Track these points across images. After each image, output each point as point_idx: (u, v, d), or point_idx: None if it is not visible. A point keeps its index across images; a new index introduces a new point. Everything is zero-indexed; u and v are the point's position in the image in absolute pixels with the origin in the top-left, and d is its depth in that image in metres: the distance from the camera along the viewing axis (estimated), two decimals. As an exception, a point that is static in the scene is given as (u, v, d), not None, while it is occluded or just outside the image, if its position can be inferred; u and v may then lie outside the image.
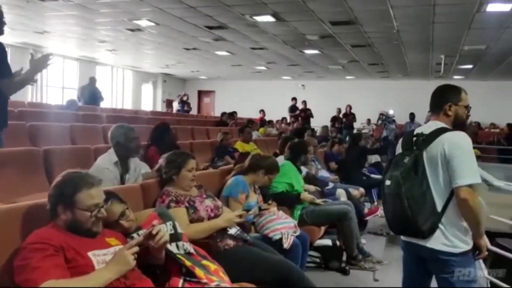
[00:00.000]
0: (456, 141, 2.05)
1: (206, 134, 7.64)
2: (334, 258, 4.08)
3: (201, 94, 20.93)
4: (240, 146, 6.29)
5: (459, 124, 2.21)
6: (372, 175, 7.40)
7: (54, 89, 14.37)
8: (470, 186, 1.97)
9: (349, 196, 5.19)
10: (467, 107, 2.25)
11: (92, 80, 10.15)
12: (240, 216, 2.71)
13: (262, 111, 14.02)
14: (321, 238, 4.26)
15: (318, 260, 4.14)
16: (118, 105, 16.34)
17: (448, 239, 2.06)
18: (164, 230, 2.07)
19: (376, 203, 6.75)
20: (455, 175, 1.99)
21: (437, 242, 2.07)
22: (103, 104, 13.11)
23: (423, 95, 15.98)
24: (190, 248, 2.21)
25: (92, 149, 3.73)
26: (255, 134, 9.30)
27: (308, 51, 11.58)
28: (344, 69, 14.66)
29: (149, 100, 18.87)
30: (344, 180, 6.37)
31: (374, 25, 8.50)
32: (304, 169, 4.69)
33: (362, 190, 5.89)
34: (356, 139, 7.09)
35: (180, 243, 2.17)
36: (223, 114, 10.89)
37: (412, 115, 13.37)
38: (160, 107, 18.60)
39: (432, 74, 14.96)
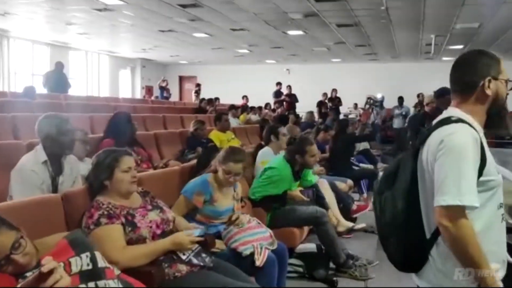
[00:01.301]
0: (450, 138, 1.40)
1: (180, 123, 6.96)
2: (320, 266, 3.48)
3: (182, 80, 20.13)
4: (215, 136, 5.65)
5: (498, 110, 1.50)
6: (361, 164, 6.85)
7: (23, 76, 13.46)
8: (449, 207, 1.34)
9: (335, 189, 4.60)
10: (508, 83, 1.51)
11: (59, 65, 9.34)
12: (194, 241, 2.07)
13: (245, 96, 13.34)
14: (303, 242, 3.70)
15: (300, 269, 3.51)
16: (93, 92, 15.50)
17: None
18: (76, 265, 1.45)
19: (365, 194, 6.21)
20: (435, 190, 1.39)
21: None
22: (75, 92, 12.38)
23: (412, 77, 15.58)
24: (117, 286, 1.60)
25: (24, 146, 3.07)
26: (235, 122, 8.67)
27: (292, 32, 10.90)
28: (330, 51, 14.01)
29: (128, 87, 18.03)
30: (331, 171, 5.81)
31: (361, 1, 7.85)
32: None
33: (350, 182, 5.33)
34: (344, 125, 6.50)
35: (101, 283, 1.55)
36: (202, 100, 10.18)
37: (400, 99, 12.80)
38: (139, 94, 17.80)
39: (421, 56, 14.42)
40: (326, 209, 3.84)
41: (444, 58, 14.88)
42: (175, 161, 4.20)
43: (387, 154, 10.20)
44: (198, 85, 14.66)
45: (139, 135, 4.32)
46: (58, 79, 8.98)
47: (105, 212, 1.96)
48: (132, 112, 7.28)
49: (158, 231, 2.05)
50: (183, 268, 2.00)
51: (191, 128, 5.17)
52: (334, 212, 4.03)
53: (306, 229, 3.66)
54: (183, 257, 2.01)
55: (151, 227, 2.03)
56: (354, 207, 4.64)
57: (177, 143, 4.98)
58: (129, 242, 1.97)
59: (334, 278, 3.39)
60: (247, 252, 2.53)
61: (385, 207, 1.53)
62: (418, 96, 12.12)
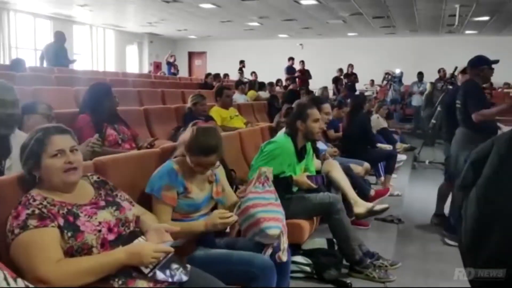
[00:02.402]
0: None
1: (182, 99, 6.41)
2: (331, 265, 2.93)
3: (192, 56, 19.49)
4: (216, 113, 5.08)
5: None
6: (379, 144, 6.22)
7: (25, 51, 12.98)
8: None
9: (349, 173, 4.00)
10: None
11: (58, 36, 8.39)
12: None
13: (253, 73, 12.66)
14: (311, 236, 3.16)
15: (308, 268, 2.95)
16: (99, 68, 15.00)
17: None
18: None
19: (383, 178, 5.62)
20: None
21: None
22: (79, 67, 11.87)
23: (432, 53, 14.69)
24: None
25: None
26: (243, 98, 8.08)
27: (305, 2, 10.17)
28: (346, 24, 13.20)
29: (135, 63, 17.48)
30: (346, 153, 5.21)
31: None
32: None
33: (367, 165, 4.72)
34: (360, 102, 5.85)
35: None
36: (208, 75, 9.57)
37: (420, 75, 12.03)
38: (147, 71, 17.25)
39: (443, 29, 13.53)
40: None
41: (467, 32, 13.99)
42: (164, 141, 3.65)
43: (406, 133, 9.56)
44: (242, 61, 13.77)
45: (126, 111, 3.78)
46: (57, 52, 8.20)
47: (36, 211, 1.43)
48: (130, 86, 6.79)
49: (111, 237, 1.51)
50: (144, 285, 1.48)
51: (189, 103, 4.60)
52: (349, 194, 3.44)
53: (315, 220, 3.10)
54: (145, 271, 1.48)
55: (100, 230, 1.49)
56: (372, 193, 4.06)
57: (172, 120, 4.43)
58: (68, 252, 1.44)
59: (348, 281, 2.85)
60: (272, 232, 2.07)
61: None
62: (439, 71, 11.34)
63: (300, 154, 3.05)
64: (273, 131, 3.97)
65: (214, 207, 2.20)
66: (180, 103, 5.84)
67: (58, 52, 8.25)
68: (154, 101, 5.86)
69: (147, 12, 12.42)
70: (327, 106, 4.07)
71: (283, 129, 3.24)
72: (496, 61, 3.92)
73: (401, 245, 3.91)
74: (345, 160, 4.69)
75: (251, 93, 8.75)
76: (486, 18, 11.47)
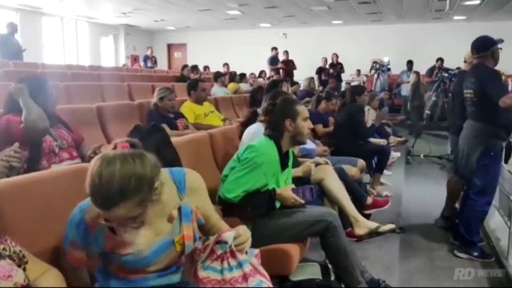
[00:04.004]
0: None
1: (152, 93, 5.72)
2: (326, 297, 2.35)
3: (171, 48, 18.66)
4: (188, 108, 4.43)
5: None
6: (372, 139, 5.65)
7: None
8: None
9: (343, 176, 3.40)
10: None
11: (10, 27, 8.13)
12: None
13: (226, 64, 11.90)
14: (301, 261, 2.55)
15: (298, 303, 2.39)
16: (72, 62, 14.15)
17: None
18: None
19: (376, 174, 5.03)
20: None
21: None
22: (51, 61, 11.07)
23: (420, 39, 14.20)
24: None
25: None
26: (222, 91, 7.44)
27: (287, -13, 9.54)
28: (331, 11, 12.58)
29: (111, 56, 16.62)
30: (336, 150, 4.64)
31: None
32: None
33: (361, 163, 4.14)
34: (357, 93, 5.21)
35: None
36: (184, 67, 8.85)
37: (410, 63, 11.52)
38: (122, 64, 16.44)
39: (431, 14, 13.00)
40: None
41: (456, 17, 13.50)
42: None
43: (397, 125, 9.02)
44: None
45: (74, 110, 3.12)
46: (7, 43, 7.74)
47: None
48: (95, 80, 6.08)
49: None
50: None
51: (154, 97, 3.95)
52: (349, 210, 2.84)
53: (306, 242, 2.50)
54: None
55: None
56: (369, 201, 3.47)
57: (134, 118, 3.76)
58: None
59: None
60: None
61: None
62: (437, 61, 10.85)
63: (284, 161, 2.44)
64: (244, 125, 3.26)
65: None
66: (149, 98, 5.17)
67: (9, 45, 7.87)
68: (120, 97, 5.19)
69: (120, 2, 11.63)
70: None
71: (257, 125, 2.61)
72: (501, 40, 3.36)
73: (405, 259, 3.36)
74: (336, 160, 4.11)
75: (232, 85, 8.10)
76: (477, 2, 10.97)
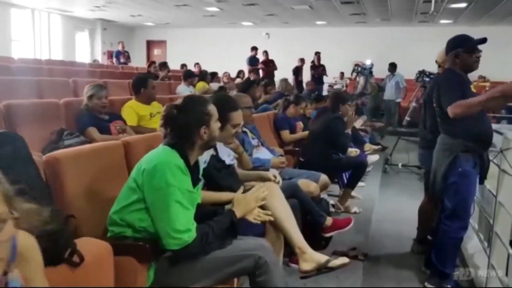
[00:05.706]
0: None
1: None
2: None
3: (150, 45, 18.06)
4: (130, 109, 3.86)
5: None
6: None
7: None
8: None
9: (296, 194, 2.88)
10: None
11: None
12: None
13: (197, 64, 11.34)
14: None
15: None
16: (43, 57, 13.48)
17: None
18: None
19: (341, 191, 4.52)
20: None
21: None
22: (20, 55, 10.42)
23: (405, 43, 13.73)
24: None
25: None
26: (188, 91, 6.90)
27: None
28: (313, 10, 12.11)
29: (86, 52, 15.94)
30: (308, 163, 4.05)
31: None
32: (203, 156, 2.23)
33: (323, 179, 3.61)
34: (341, 101, 4.61)
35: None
36: (151, 63, 8.25)
37: (392, 66, 11.05)
38: (100, 60, 15.76)
39: (416, 17, 12.62)
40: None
41: (442, 21, 13.16)
42: (36, 153, 2.44)
43: (377, 130, 8.58)
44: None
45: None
46: None
47: None
48: (45, 76, 5.51)
49: None
50: None
51: (84, 96, 3.39)
52: (293, 238, 2.33)
53: (234, 284, 1.97)
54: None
55: None
56: (329, 222, 2.96)
57: (58, 120, 3.19)
58: None
59: None
60: None
61: None
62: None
63: (194, 174, 1.90)
64: None
65: None
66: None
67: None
68: (65, 93, 4.63)
69: (91, -7, 11.05)
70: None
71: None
72: (482, 40, 2.79)
73: (368, 289, 2.86)
74: (296, 173, 3.61)
75: (200, 84, 7.55)
76: (463, 5, 10.59)
